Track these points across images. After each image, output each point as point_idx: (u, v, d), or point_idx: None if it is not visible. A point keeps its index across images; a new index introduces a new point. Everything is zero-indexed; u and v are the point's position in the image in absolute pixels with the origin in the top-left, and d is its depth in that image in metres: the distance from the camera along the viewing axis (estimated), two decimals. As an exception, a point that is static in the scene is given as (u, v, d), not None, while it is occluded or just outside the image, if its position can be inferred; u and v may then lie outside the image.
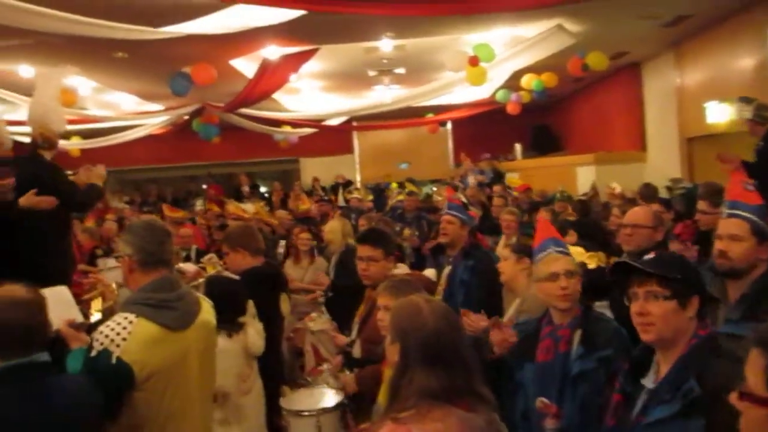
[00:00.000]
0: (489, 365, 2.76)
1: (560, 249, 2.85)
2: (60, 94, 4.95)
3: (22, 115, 10.05)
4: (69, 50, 7.71)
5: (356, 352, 3.45)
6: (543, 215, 5.60)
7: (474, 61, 8.00)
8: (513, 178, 11.88)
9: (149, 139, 13.10)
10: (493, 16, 7.34)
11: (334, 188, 15.07)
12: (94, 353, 2.25)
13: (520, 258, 3.55)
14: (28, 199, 3.96)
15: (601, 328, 2.63)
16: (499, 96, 11.17)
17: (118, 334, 2.27)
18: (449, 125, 16.35)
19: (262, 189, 17.05)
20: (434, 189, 12.63)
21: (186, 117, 11.80)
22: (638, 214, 3.91)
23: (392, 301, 2.47)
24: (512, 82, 10.38)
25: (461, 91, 10.38)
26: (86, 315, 2.97)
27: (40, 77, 5.12)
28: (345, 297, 5.06)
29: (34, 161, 4.39)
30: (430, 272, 5.02)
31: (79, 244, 7.22)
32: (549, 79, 9.90)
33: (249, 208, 8.43)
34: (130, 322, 2.31)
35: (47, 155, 4.47)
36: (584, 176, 10.94)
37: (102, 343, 2.25)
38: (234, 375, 3.41)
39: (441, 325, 1.90)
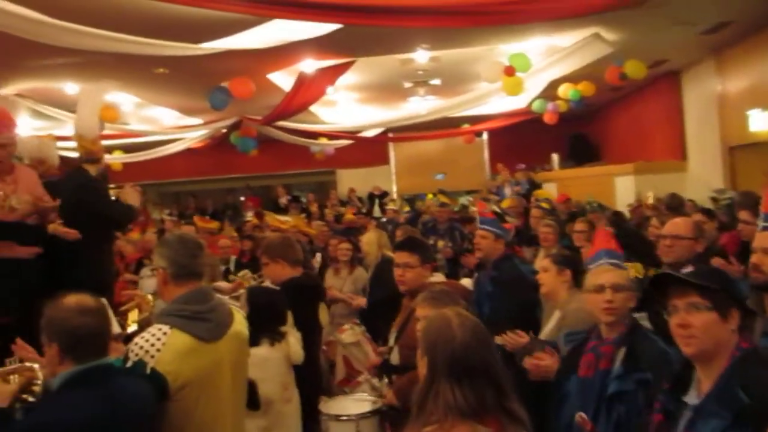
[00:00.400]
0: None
1: (613, 261, 2.80)
2: (100, 109, 5.08)
3: (68, 130, 10.39)
4: (113, 67, 7.93)
5: (394, 358, 3.48)
6: (580, 226, 5.54)
7: (510, 71, 7.98)
8: (542, 191, 11.71)
9: (188, 152, 13.35)
10: (529, 26, 7.32)
11: (370, 199, 15.17)
12: (129, 363, 2.31)
13: (562, 270, 3.49)
14: (54, 228, 4.07)
15: (647, 348, 2.54)
16: (536, 106, 11.11)
17: (152, 345, 2.34)
18: (485, 135, 16.29)
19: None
20: (470, 199, 12.60)
21: (224, 130, 12.01)
22: (678, 225, 3.83)
23: (430, 312, 2.47)
24: (549, 92, 10.31)
25: (497, 101, 10.35)
26: (123, 326, 3.05)
27: (83, 93, 5.28)
28: (381, 308, 5.09)
29: (79, 178, 4.50)
30: (466, 282, 5.02)
31: (123, 255, 7.40)
32: (586, 88, 9.81)
33: (288, 219, 8.52)
34: (165, 333, 2.38)
35: (92, 170, 4.58)
36: (623, 186, 10.78)
37: (137, 354, 2.33)
38: (277, 383, 3.45)
39: (469, 339, 1.88)
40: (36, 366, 2.25)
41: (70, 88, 9.22)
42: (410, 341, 3.10)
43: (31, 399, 2.19)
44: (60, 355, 2.05)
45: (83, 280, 4.04)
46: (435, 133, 13.92)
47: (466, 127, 13.90)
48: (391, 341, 3.56)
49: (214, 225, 9.04)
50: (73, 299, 2.09)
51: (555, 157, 14.29)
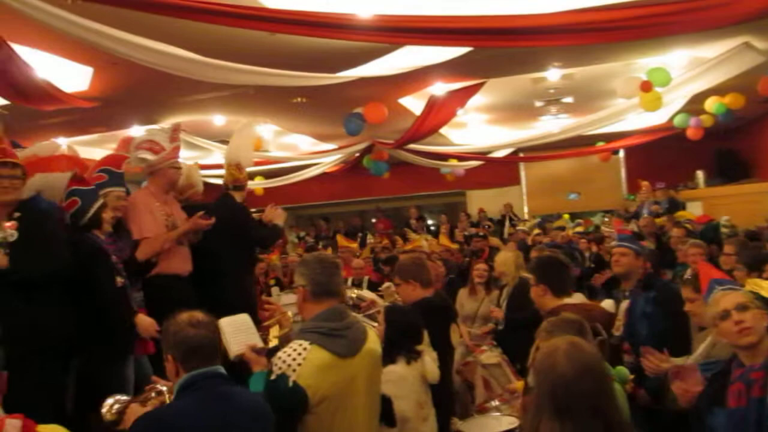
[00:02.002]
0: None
1: (726, 287, 2.67)
2: (253, 141, 5.45)
3: (213, 159, 11.16)
4: (255, 99, 8.43)
5: (531, 380, 3.42)
6: (728, 249, 5.17)
7: (646, 87, 7.63)
8: (684, 212, 10.96)
9: (323, 176, 13.85)
10: (670, 38, 6.98)
11: (501, 220, 14.97)
12: (273, 377, 2.45)
13: None
14: (196, 222, 4.37)
15: None
16: (677, 121, 10.53)
17: (294, 359, 2.46)
18: (622, 153, 15.63)
19: (429, 222, 17.31)
20: (606, 219, 12.11)
21: (357, 154, 12.37)
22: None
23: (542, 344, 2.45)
24: (692, 106, 9.75)
25: (635, 118, 9.92)
26: (265, 341, 3.21)
27: (239, 127, 5.69)
28: (517, 331, 5.00)
29: (225, 203, 4.83)
30: (607, 303, 4.80)
31: (265, 275, 7.81)
32: (734, 100, 9.17)
33: (420, 240, 8.61)
34: (305, 349, 2.49)
35: (237, 197, 4.90)
36: (780, 204, 9.94)
37: (280, 368, 2.45)
38: (413, 401, 3.47)
39: (576, 373, 1.79)
40: (165, 388, 2.44)
41: (218, 119, 9.91)
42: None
43: None
44: (176, 366, 2.22)
45: (230, 298, 4.35)
46: (568, 151, 13.54)
47: (601, 145, 13.41)
48: (529, 361, 3.51)
49: (355, 245, 9.32)
50: (186, 314, 2.28)
51: (700, 174, 13.42)
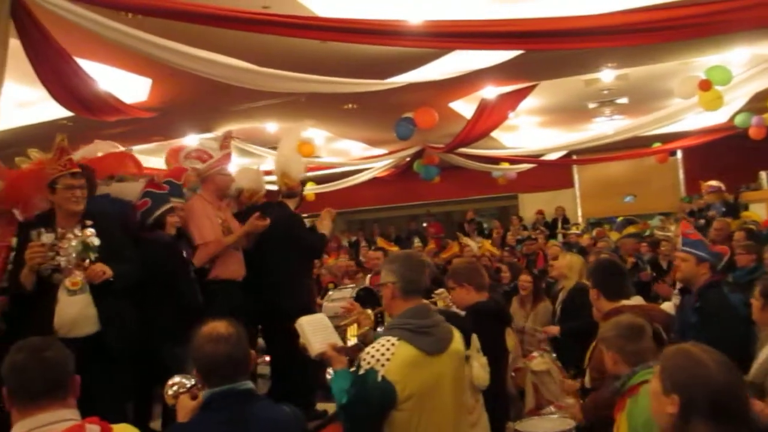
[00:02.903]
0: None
1: None
2: (298, 146, 5.50)
3: (266, 166, 11.35)
4: (307, 106, 8.55)
5: (587, 381, 3.38)
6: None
7: (705, 86, 7.41)
8: (749, 213, 10.54)
9: (374, 181, 13.92)
10: (729, 36, 6.77)
11: (554, 223, 14.75)
12: (362, 372, 2.47)
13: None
14: (252, 224, 4.45)
15: None
16: (739, 120, 10.19)
17: (382, 354, 2.48)
18: (679, 154, 15.21)
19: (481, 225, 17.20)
20: (661, 219, 11.79)
21: (408, 159, 12.39)
22: None
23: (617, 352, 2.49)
24: (754, 104, 9.42)
25: (693, 118, 9.66)
26: (344, 340, 3.24)
27: (283, 132, 5.76)
28: (573, 336, 4.92)
29: (280, 211, 4.90)
30: (668, 305, 4.68)
31: (318, 280, 7.90)
32: (799, 98, 8.84)
33: (472, 244, 8.57)
34: (393, 345, 2.51)
35: (291, 204, 4.96)
36: None
37: (369, 363, 2.48)
38: (460, 406, 3.47)
39: (731, 378, 1.80)
40: None
41: (270, 127, 10.08)
42: (599, 364, 3.00)
43: None
44: (201, 380, 2.21)
45: (286, 304, 4.42)
46: (623, 153, 13.25)
47: (657, 146, 13.08)
48: (586, 362, 3.46)
49: (395, 249, 9.32)
50: (208, 327, 2.18)
51: (763, 175, 12.92)
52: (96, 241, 3.49)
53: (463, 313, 4.07)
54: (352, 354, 2.91)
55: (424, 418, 2.51)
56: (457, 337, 2.79)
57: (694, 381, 1.80)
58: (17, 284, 3.44)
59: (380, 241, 10.19)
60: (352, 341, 3.33)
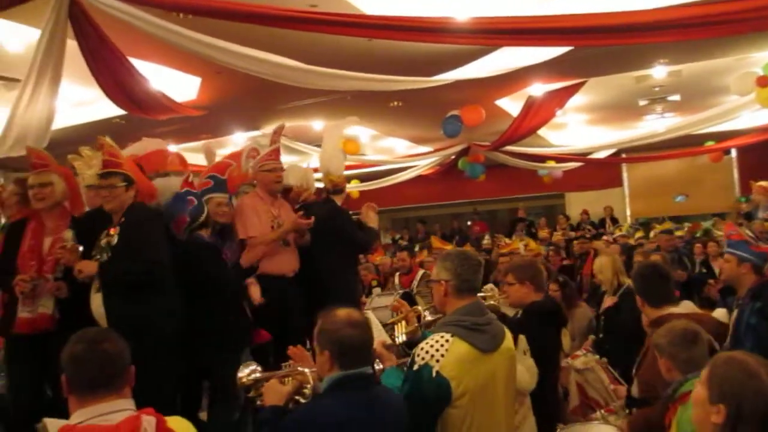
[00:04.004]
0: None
1: None
2: (342, 143, 5.53)
3: (312, 163, 11.43)
4: (352, 104, 8.58)
5: (634, 390, 3.30)
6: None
7: (764, 82, 7.17)
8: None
9: (418, 179, 13.90)
10: (790, 29, 6.53)
11: (601, 222, 14.49)
12: (416, 368, 2.47)
13: None
14: (295, 222, 4.51)
15: None
16: (798, 118, 9.83)
17: (437, 350, 2.46)
18: (734, 153, 14.76)
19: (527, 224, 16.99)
20: (714, 221, 11.47)
21: (453, 157, 12.33)
22: None
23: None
24: (815, 101, 9.06)
25: (749, 115, 9.35)
26: (392, 338, 3.25)
27: (326, 129, 5.80)
28: (618, 340, 4.83)
29: (327, 207, 4.95)
30: (720, 313, 4.53)
31: (361, 279, 7.92)
32: None
33: (517, 243, 8.48)
34: (447, 341, 2.49)
35: (338, 200, 5.02)
36: None
37: (423, 358, 2.47)
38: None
39: None
40: (307, 371, 2.47)
41: (317, 125, 10.16)
42: (649, 374, 2.96)
43: (302, 400, 2.42)
44: (330, 362, 2.24)
45: (335, 300, 4.45)
46: (675, 152, 12.91)
47: (711, 144, 12.72)
48: (634, 371, 3.38)
49: (449, 247, 9.29)
50: (344, 312, 2.28)
51: (822, 174, 12.46)
52: (113, 241, 3.59)
53: (510, 312, 4.05)
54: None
55: (477, 416, 2.50)
56: (509, 335, 2.77)
57: (743, 392, 1.74)
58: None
59: (435, 240, 10.17)
60: (400, 339, 3.33)
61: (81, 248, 3.63)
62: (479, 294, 4.34)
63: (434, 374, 2.41)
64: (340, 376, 2.22)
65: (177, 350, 3.69)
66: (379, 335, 2.92)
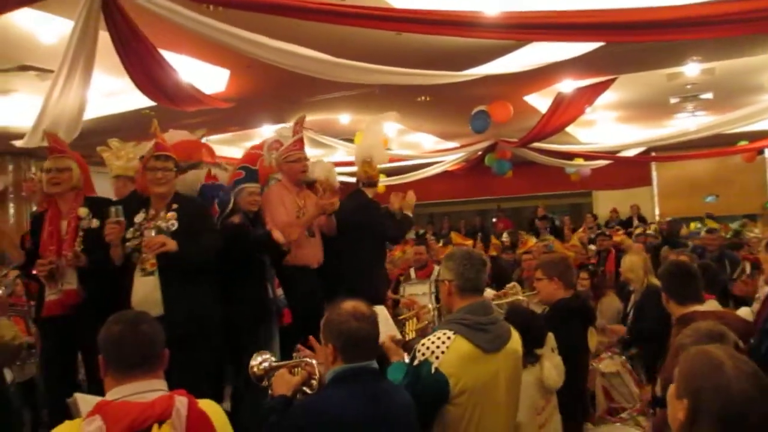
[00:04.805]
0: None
1: None
2: (382, 136, 5.55)
3: (338, 157, 11.47)
4: (381, 98, 8.57)
5: (658, 389, 3.25)
6: None
7: (801, 80, 7.02)
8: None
9: (444, 174, 13.83)
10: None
11: (629, 221, 14.31)
12: (416, 363, 2.48)
13: None
14: (320, 204, 4.49)
15: None
16: (835, 118, 9.58)
17: (438, 347, 2.48)
18: (767, 153, 14.46)
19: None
20: (743, 222, 11.25)
21: (479, 153, 12.26)
22: None
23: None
24: None
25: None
26: (402, 334, 3.25)
27: (369, 121, 5.82)
28: (646, 342, 4.76)
29: (358, 199, 4.95)
30: (744, 311, 4.45)
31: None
32: None
33: (533, 242, 8.43)
34: (449, 338, 2.50)
35: (369, 192, 5.03)
36: None
37: (423, 354, 2.49)
38: (527, 406, 3.39)
39: (749, 389, 1.58)
40: (315, 362, 2.50)
41: (343, 118, 10.16)
42: (670, 374, 2.88)
43: (309, 391, 2.45)
44: (334, 354, 2.26)
45: (361, 290, 4.45)
46: (706, 151, 12.69)
47: (744, 144, 12.46)
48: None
49: (469, 243, 9.25)
50: (350, 305, 2.28)
51: None
52: (174, 225, 3.60)
53: (539, 310, 4.01)
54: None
55: (476, 415, 2.49)
56: (515, 336, 2.76)
57: (703, 387, 1.62)
58: (102, 256, 3.64)
59: (455, 236, 10.15)
60: (410, 336, 3.32)
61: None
62: (499, 291, 4.35)
63: (433, 370, 2.42)
64: (344, 369, 2.23)
65: (220, 336, 3.76)
66: (389, 330, 2.91)
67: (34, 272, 3.81)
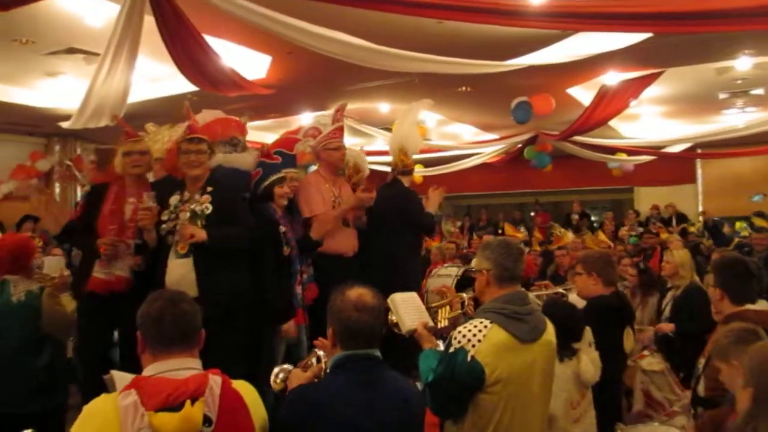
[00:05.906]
0: None
1: None
2: (417, 125, 5.51)
3: (377, 146, 11.46)
4: (420, 87, 8.51)
5: (700, 389, 3.17)
6: None
7: None
8: None
9: (482, 166, 13.73)
10: None
11: (668, 220, 14.00)
12: (452, 350, 2.47)
13: None
14: (358, 197, 4.51)
15: None
16: None
17: (474, 335, 2.46)
18: (819, 151, 13.99)
19: (593, 218, 16.57)
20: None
21: (519, 145, 12.13)
22: None
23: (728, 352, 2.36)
24: None
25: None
26: (435, 322, 3.23)
27: (404, 110, 5.79)
28: (686, 341, 4.66)
29: (395, 188, 4.93)
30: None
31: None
32: None
33: (569, 236, 8.32)
34: (485, 326, 2.49)
35: (406, 181, 5.01)
36: None
37: (459, 342, 2.48)
38: (562, 399, 3.35)
39: None
40: (321, 353, 2.50)
41: (383, 107, 10.14)
42: (716, 373, 2.80)
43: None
44: (333, 340, 2.26)
45: (394, 281, 4.45)
46: (754, 149, 12.35)
47: (794, 142, 12.09)
48: (699, 370, 3.25)
49: (522, 236, 9.19)
50: (355, 293, 2.24)
51: None
52: (208, 209, 3.63)
53: (578, 304, 3.95)
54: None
55: (510, 404, 2.47)
56: (550, 328, 2.72)
57: (764, 375, 1.74)
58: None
59: (508, 228, 10.09)
60: (442, 323, 3.30)
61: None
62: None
63: (469, 358, 2.41)
64: (342, 356, 2.23)
65: (254, 318, 3.79)
66: (421, 317, 2.90)
67: (100, 248, 3.77)
